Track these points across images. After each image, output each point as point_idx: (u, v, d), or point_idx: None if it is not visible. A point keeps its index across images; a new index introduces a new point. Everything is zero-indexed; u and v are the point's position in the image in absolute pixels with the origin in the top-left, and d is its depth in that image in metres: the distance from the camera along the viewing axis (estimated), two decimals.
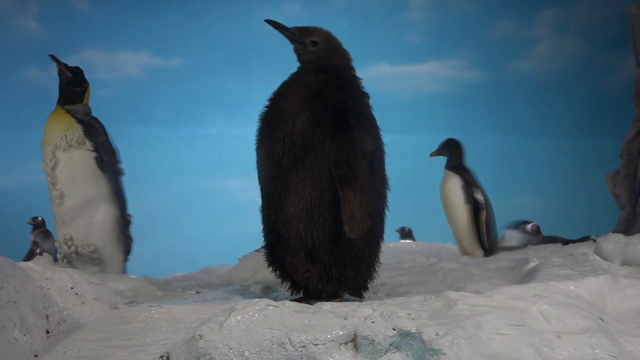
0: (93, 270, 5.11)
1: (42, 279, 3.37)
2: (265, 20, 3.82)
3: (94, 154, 5.27)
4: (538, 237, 7.92)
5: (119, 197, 5.46)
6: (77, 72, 5.47)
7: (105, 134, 5.46)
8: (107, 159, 5.35)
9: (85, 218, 5.26)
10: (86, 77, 5.54)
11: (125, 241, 5.54)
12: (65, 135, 5.22)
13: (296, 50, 3.88)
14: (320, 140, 3.37)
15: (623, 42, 7.95)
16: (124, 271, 5.48)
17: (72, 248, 5.26)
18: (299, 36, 3.82)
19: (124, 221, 5.50)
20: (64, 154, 5.21)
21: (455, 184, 6.59)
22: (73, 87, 5.43)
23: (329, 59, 3.77)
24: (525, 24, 10.60)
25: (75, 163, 5.24)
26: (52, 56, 5.40)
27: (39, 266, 3.49)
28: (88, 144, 5.26)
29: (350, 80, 3.70)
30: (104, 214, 5.31)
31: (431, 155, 6.88)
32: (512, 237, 7.94)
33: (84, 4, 9.94)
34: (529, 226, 8.02)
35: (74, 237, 5.26)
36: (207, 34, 10.06)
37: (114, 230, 5.39)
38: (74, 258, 5.28)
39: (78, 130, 5.26)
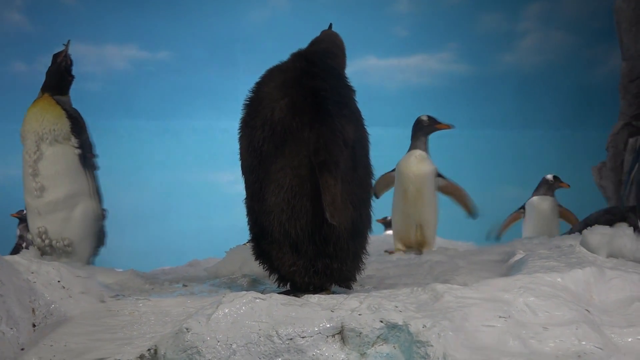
0: (63, 262, 5.08)
1: (29, 272, 3.36)
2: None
3: (78, 151, 5.26)
4: (562, 185, 7.87)
5: (97, 192, 5.45)
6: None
7: (87, 129, 5.45)
8: (89, 156, 5.34)
9: (64, 213, 5.25)
10: (72, 69, 5.53)
11: (98, 236, 5.53)
12: (54, 129, 5.19)
13: None
14: (299, 128, 3.37)
15: (609, 35, 7.98)
16: (90, 263, 5.47)
17: (47, 241, 5.24)
18: None
19: (100, 216, 5.49)
20: (49, 148, 5.18)
21: (432, 170, 6.45)
22: (67, 75, 5.42)
23: (309, 49, 3.82)
24: (512, 17, 10.62)
25: (60, 158, 5.21)
26: (69, 41, 5.42)
27: (25, 260, 3.48)
28: (73, 141, 5.24)
29: (330, 69, 3.70)
30: (83, 209, 5.30)
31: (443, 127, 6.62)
32: (542, 202, 7.87)
33: None
34: (549, 177, 7.96)
35: (49, 230, 5.25)
36: (194, 27, 10.05)
37: (91, 225, 5.38)
38: (48, 251, 5.27)
39: (66, 125, 5.23)
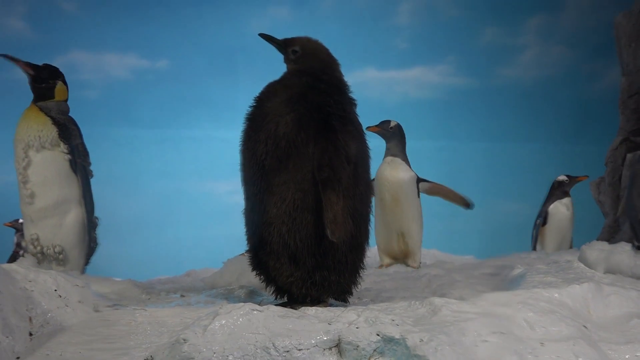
0: (59, 270, 5.08)
1: (26, 280, 3.35)
2: (259, 35, 3.96)
3: (68, 157, 5.26)
4: (576, 180, 7.89)
5: (88, 199, 5.44)
6: (42, 68, 5.45)
7: (80, 137, 5.44)
8: (79, 161, 5.34)
9: (55, 219, 5.25)
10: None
11: (90, 244, 5.52)
12: (39, 136, 5.20)
13: (284, 60, 3.98)
14: (304, 143, 3.38)
15: (609, 50, 7.99)
16: (82, 272, 5.46)
17: (38, 248, 5.24)
18: (283, 46, 3.94)
19: (91, 223, 5.48)
20: (37, 154, 5.19)
21: (412, 177, 6.34)
22: (38, 84, 5.41)
23: (305, 64, 3.80)
24: (512, 31, 10.63)
25: (49, 164, 5.22)
26: (6, 56, 5.39)
27: (22, 268, 3.47)
28: (63, 147, 5.24)
29: (334, 84, 3.71)
30: (74, 216, 5.30)
31: (369, 129, 6.36)
32: (560, 207, 7.86)
33: (71, 5, 9.91)
34: (563, 178, 7.96)
35: (41, 237, 5.25)
36: (195, 36, 10.06)
37: (83, 232, 5.38)
38: (40, 258, 5.27)
39: (53, 132, 5.23)
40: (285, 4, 10.19)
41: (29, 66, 5.41)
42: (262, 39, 3.95)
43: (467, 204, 6.58)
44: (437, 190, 6.55)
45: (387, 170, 6.32)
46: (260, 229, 3.48)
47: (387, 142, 6.53)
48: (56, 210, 5.25)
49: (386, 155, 6.47)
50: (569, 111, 10.03)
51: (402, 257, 6.40)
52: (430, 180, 6.48)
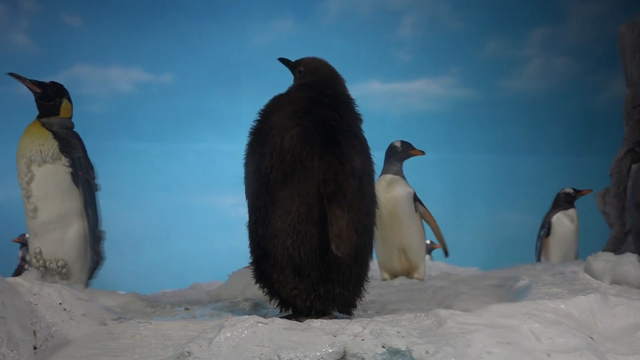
0: (61, 284, 5.08)
1: (30, 294, 3.35)
2: (278, 59, 4.04)
3: (69, 170, 5.27)
4: (580, 194, 7.90)
5: (93, 212, 5.43)
6: (49, 86, 5.47)
7: (83, 150, 5.44)
8: (82, 174, 5.34)
9: (57, 233, 5.25)
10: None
11: (94, 257, 5.51)
12: (41, 150, 5.22)
13: (293, 80, 4.03)
14: (309, 157, 3.38)
15: (613, 61, 7.99)
16: (86, 286, 5.45)
17: (41, 262, 5.25)
18: (293, 67, 4.01)
19: (95, 237, 5.47)
20: (39, 169, 5.21)
21: (408, 191, 6.31)
22: (44, 102, 5.43)
23: (308, 79, 3.82)
24: (516, 43, 10.64)
25: (51, 178, 5.23)
26: (12, 74, 5.40)
27: (27, 282, 3.47)
28: (64, 160, 5.25)
29: (339, 98, 3.72)
30: (76, 229, 5.30)
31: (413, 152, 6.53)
32: (564, 218, 7.86)
33: (75, 20, 9.94)
34: (568, 191, 7.96)
35: (43, 251, 5.26)
36: (198, 50, 10.08)
37: (86, 246, 5.38)
38: (43, 272, 5.27)
39: (54, 145, 5.25)
40: (289, 17, 10.22)
41: (35, 84, 5.43)
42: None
43: (446, 252, 6.53)
44: (427, 219, 6.47)
45: (383, 188, 6.28)
46: (265, 242, 3.47)
47: (387, 159, 6.52)
48: (58, 224, 5.25)
49: (384, 172, 6.46)
50: (573, 122, 10.04)
51: (404, 272, 6.35)
52: (425, 205, 6.42)
